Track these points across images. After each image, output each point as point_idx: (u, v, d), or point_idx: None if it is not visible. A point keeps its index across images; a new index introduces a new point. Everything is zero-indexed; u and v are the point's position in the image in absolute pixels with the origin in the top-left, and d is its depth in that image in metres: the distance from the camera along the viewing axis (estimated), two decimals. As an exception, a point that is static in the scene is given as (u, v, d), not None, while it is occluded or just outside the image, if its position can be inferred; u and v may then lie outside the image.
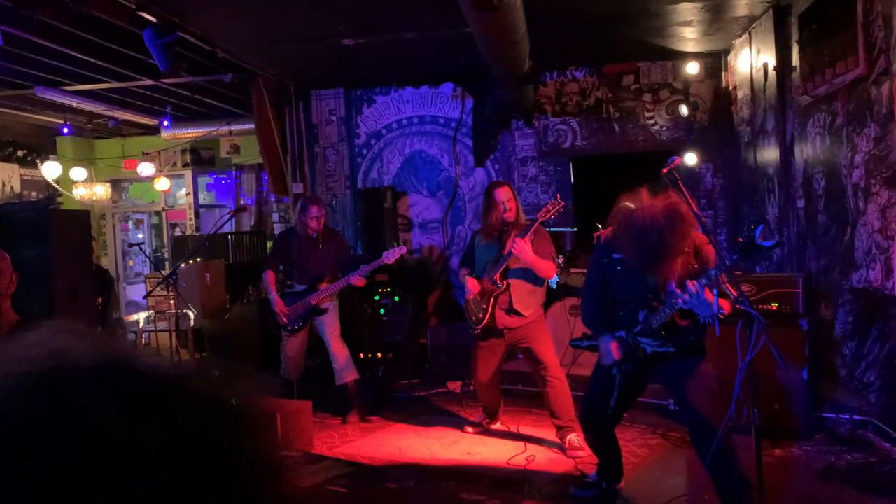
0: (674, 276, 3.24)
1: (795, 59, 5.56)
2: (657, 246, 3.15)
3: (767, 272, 5.26)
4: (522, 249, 4.49)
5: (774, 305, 4.68)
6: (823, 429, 4.65)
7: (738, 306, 2.70)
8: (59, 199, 10.64)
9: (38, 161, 10.50)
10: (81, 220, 4.91)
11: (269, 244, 10.23)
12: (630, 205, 3.33)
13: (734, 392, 2.66)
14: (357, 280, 5.38)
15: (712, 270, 3.03)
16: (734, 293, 2.82)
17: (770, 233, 6.24)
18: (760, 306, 4.69)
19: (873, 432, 4.49)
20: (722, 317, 3.02)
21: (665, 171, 2.96)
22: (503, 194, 4.77)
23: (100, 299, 6.71)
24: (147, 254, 8.95)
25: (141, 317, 6.86)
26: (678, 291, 3.10)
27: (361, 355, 6.82)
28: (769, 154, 6.35)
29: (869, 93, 4.44)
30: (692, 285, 3.04)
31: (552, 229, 5.92)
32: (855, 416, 4.65)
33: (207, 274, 7.04)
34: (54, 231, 4.31)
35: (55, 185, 10.60)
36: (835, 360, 5.06)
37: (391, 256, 5.31)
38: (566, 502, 3.78)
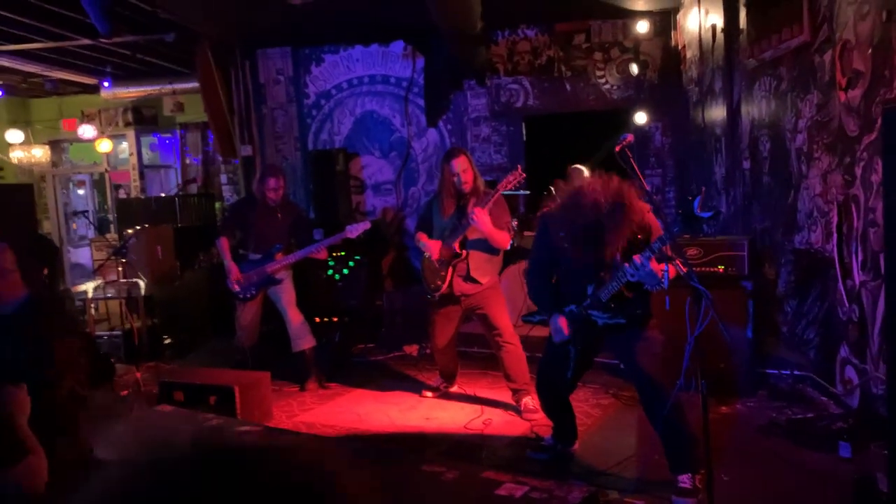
0: (619, 250, 3.33)
1: (743, 22, 5.62)
2: (599, 232, 3.22)
3: (714, 234, 5.40)
4: (482, 220, 4.52)
5: (721, 268, 4.82)
6: (766, 385, 4.86)
7: (689, 281, 2.78)
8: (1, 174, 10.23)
9: (-29, 124, 10.06)
10: (25, 194, 4.76)
11: (217, 205, 10.06)
12: (575, 184, 3.38)
13: (683, 363, 2.76)
14: (318, 254, 5.37)
15: (656, 243, 3.10)
16: (683, 269, 2.90)
17: (711, 202, 6.39)
18: (708, 269, 4.84)
19: (812, 387, 4.72)
20: (669, 278, 3.10)
21: (617, 148, 3.00)
22: (459, 165, 4.76)
23: (45, 269, 6.54)
24: (91, 220, 8.74)
25: (89, 286, 6.72)
26: (626, 266, 3.17)
27: (317, 319, 6.82)
28: (716, 115, 6.46)
29: (812, 60, 4.54)
30: (638, 258, 3.12)
31: (506, 192, 5.95)
32: (795, 372, 4.87)
33: (158, 247, 6.91)
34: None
35: (-9, 148, 10.19)
36: (777, 317, 5.26)
37: (354, 231, 5.29)
38: (523, 465, 3.89)
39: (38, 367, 2.57)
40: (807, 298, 4.86)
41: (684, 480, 3.34)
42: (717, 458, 3.56)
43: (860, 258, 4.08)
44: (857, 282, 4.11)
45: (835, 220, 4.37)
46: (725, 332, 2.68)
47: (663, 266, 3.06)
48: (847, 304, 4.26)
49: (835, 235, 4.38)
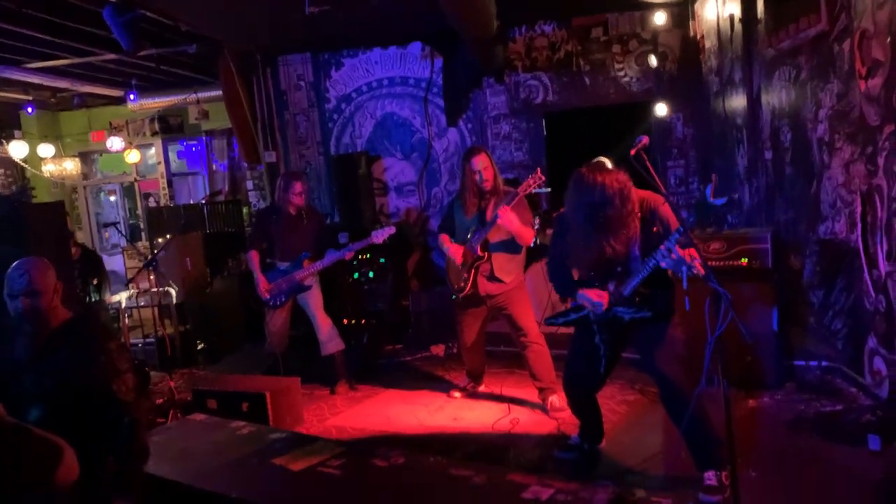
0: (634, 243, 3.36)
1: (760, 12, 5.58)
2: (607, 212, 3.26)
3: (737, 226, 5.38)
4: (508, 219, 4.55)
5: (745, 261, 4.81)
6: (794, 377, 4.83)
7: (707, 283, 2.79)
8: (32, 189, 10.47)
9: (3, 140, 10.30)
10: (57, 212, 4.90)
11: (244, 211, 10.20)
12: (582, 172, 3.40)
13: (705, 364, 2.78)
14: (345, 257, 5.45)
15: (674, 234, 3.12)
16: (702, 271, 2.92)
17: (733, 192, 6.35)
18: (732, 262, 4.84)
19: (841, 378, 4.69)
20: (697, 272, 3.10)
21: (633, 152, 3.02)
22: (479, 163, 4.80)
23: (94, 280, 6.74)
24: (123, 232, 8.93)
25: (123, 297, 6.88)
26: (658, 253, 3.17)
27: (345, 321, 6.92)
28: (737, 105, 6.42)
29: (831, 49, 4.50)
30: (664, 246, 3.14)
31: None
32: (823, 363, 4.85)
33: (188, 258, 7.05)
34: (30, 227, 4.32)
35: (23, 163, 10.43)
36: (804, 309, 5.23)
37: (380, 236, 5.34)
38: (550, 465, 3.93)
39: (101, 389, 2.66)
40: (833, 289, 4.82)
41: (710, 478, 3.36)
42: (745, 454, 3.58)
43: (885, 248, 4.05)
44: (883, 272, 4.08)
45: (858, 210, 4.34)
46: (745, 332, 2.70)
47: (691, 251, 3.06)
48: (873, 295, 4.23)
49: (859, 225, 4.35)
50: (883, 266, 4.08)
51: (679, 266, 3.14)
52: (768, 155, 5.78)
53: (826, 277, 4.91)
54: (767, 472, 3.57)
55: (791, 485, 3.45)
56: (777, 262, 4.89)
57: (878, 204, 4.07)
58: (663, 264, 3.19)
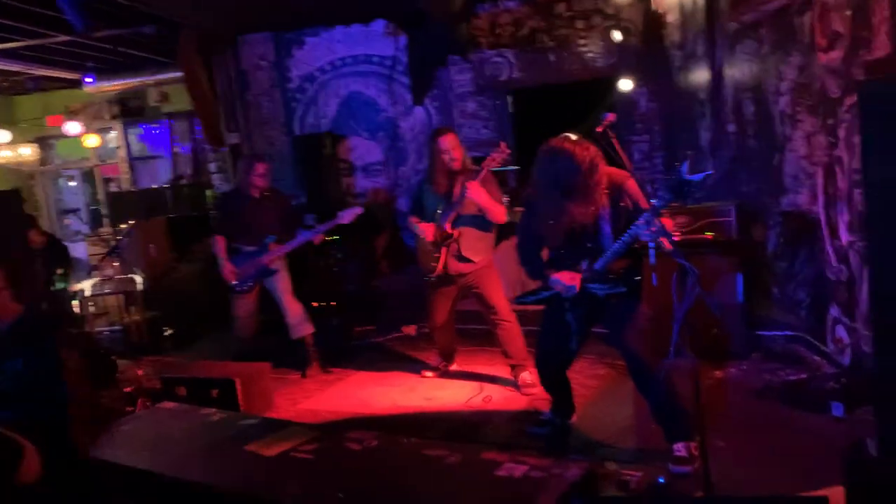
0: (602, 218, 3.38)
1: (722, -15, 5.60)
2: (576, 183, 3.27)
3: (702, 200, 5.43)
4: (478, 192, 4.54)
5: (710, 234, 4.88)
6: (760, 347, 4.93)
7: (675, 259, 2.82)
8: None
9: (-44, 127, 10.00)
10: (13, 200, 4.77)
11: (208, 194, 10.04)
12: (552, 144, 3.40)
13: (672, 339, 2.81)
14: (313, 239, 5.40)
15: (654, 206, 3.12)
16: (669, 247, 2.94)
17: (698, 165, 6.39)
18: (697, 235, 4.90)
19: (804, 347, 4.79)
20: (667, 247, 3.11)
21: (599, 129, 3.02)
22: (447, 143, 4.78)
23: (59, 270, 6.61)
24: (84, 219, 8.77)
25: (87, 284, 6.75)
26: (638, 223, 3.17)
27: (314, 304, 6.86)
28: (700, 79, 6.46)
29: (792, 22, 4.53)
30: (642, 219, 3.15)
31: (494, 169, 5.97)
32: (788, 333, 4.95)
33: (151, 245, 6.94)
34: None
35: (-24, 150, 10.14)
36: (768, 280, 5.31)
37: (347, 216, 5.28)
38: (523, 441, 3.96)
39: (47, 385, 2.60)
40: (796, 260, 4.91)
41: (680, 449, 3.41)
42: (714, 424, 3.63)
43: (846, 219, 4.12)
44: (845, 242, 4.16)
45: (820, 181, 4.41)
46: (713, 306, 2.73)
47: (669, 222, 3.07)
48: (835, 265, 4.31)
49: (821, 197, 4.42)
50: (844, 236, 4.16)
51: (659, 237, 3.15)
52: (731, 128, 5.84)
53: (789, 248, 5.00)
54: (735, 440, 3.64)
55: (758, 452, 3.53)
56: (741, 235, 4.96)
57: (840, 175, 4.14)
58: (643, 237, 3.19)
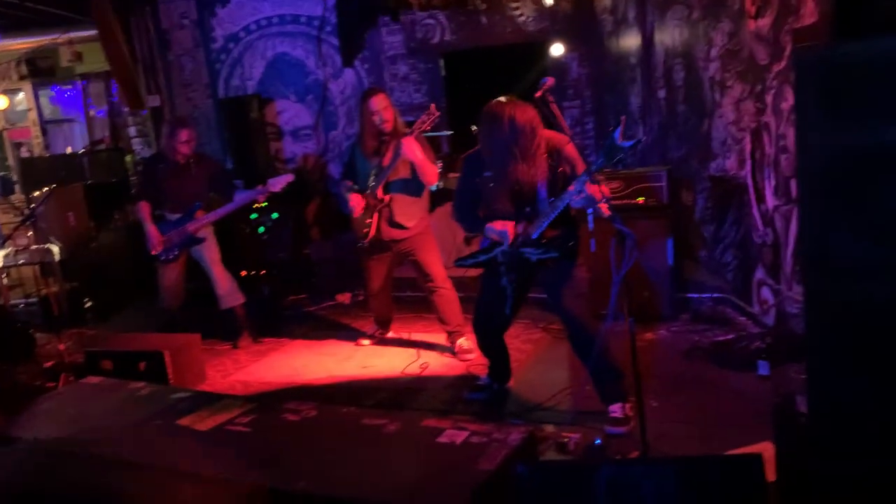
0: (541, 182, 3.38)
1: (654, -50, 5.62)
2: (515, 147, 3.29)
3: (634, 166, 5.51)
4: (412, 148, 4.45)
5: (641, 199, 4.95)
6: (688, 309, 5.07)
7: (613, 223, 2.84)
8: None
9: None
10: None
11: (128, 159, 9.62)
12: (492, 106, 3.39)
13: (611, 303, 2.85)
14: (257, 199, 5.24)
15: (584, 174, 3.15)
16: (608, 213, 2.96)
17: (629, 131, 6.47)
18: (629, 201, 4.96)
19: (731, 308, 4.95)
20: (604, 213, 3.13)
21: (538, 94, 2.99)
22: (378, 103, 4.67)
23: None
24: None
25: (-1, 255, 6.38)
26: (569, 190, 3.19)
27: (244, 273, 6.69)
28: (631, 44, 6.50)
29: (723, -12, 4.59)
30: (573, 186, 3.16)
31: (427, 134, 5.89)
32: (715, 295, 5.10)
33: (70, 213, 6.61)
34: None
35: None
36: (696, 243, 5.45)
37: (277, 184, 5.11)
38: (461, 407, 3.97)
39: None
40: (723, 224, 5.04)
41: (615, 410, 3.48)
42: (646, 385, 3.71)
43: (773, 183, 4.24)
44: (771, 206, 4.28)
45: (748, 147, 4.51)
46: (650, 271, 2.77)
47: (602, 188, 3.09)
48: (762, 228, 4.44)
49: (748, 162, 4.53)
50: (770, 201, 4.28)
51: (590, 204, 3.17)
52: (662, 94, 5.91)
53: (717, 213, 5.13)
54: (667, 401, 3.73)
55: (690, 411, 3.63)
56: (672, 200, 5.05)
57: (767, 141, 4.24)
58: (574, 204, 3.21)
